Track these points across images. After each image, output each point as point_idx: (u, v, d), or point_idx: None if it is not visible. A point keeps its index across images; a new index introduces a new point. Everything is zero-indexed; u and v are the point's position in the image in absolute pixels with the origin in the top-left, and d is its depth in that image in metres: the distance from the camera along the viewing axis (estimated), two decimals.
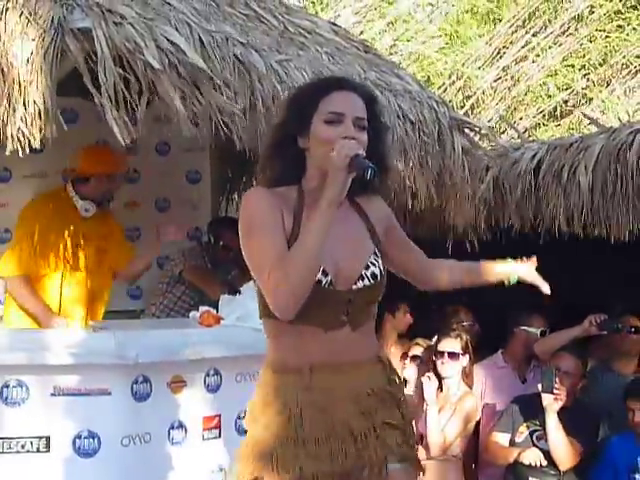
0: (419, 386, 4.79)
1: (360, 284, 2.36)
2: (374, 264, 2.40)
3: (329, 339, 2.35)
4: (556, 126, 10.57)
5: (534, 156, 5.40)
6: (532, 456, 4.47)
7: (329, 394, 2.36)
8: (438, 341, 4.82)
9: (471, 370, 4.86)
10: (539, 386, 4.48)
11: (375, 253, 2.43)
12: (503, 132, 9.53)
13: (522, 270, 2.73)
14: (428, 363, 4.89)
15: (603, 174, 4.85)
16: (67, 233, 4.57)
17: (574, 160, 5.03)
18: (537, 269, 2.74)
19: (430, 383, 4.64)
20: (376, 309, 2.49)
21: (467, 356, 4.78)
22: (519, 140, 6.30)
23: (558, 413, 4.41)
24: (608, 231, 4.84)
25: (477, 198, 5.14)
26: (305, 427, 2.34)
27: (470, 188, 4.84)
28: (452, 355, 4.71)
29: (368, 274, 2.38)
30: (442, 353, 4.73)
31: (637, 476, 4.48)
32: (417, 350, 5.14)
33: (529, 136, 10.16)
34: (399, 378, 2.55)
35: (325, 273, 2.30)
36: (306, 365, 2.35)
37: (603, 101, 10.26)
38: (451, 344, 4.74)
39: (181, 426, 3.65)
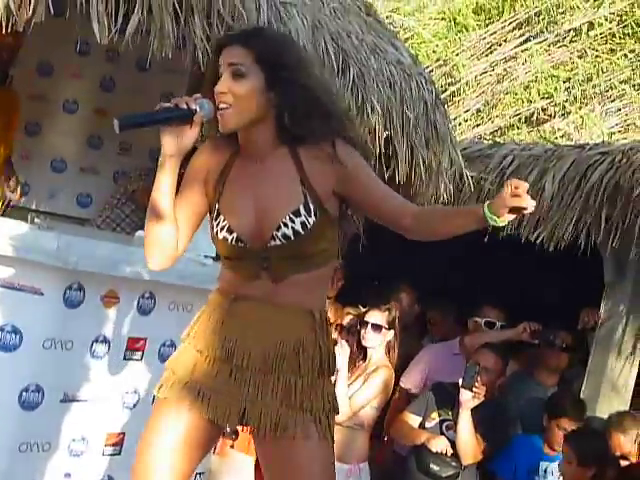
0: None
1: (273, 243, 2.36)
2: (287, 224, 2.34)
3: (252, 286, 2.41)
4: (529, 132, 10.62)
5: (505, 156, 5.44)
6: (440, 444, 4.53)
7: (242, 324, 2.41)
8: (366, 311, 4.78)
9: (395, 345, 4.78)
10: (460, 380, 4.53)
11: (298, 210, 2.35)
12: (478, 125, 9.56)
13: (496, 204, 2.25)
14: (354, 331, 4.84)
15: (568, 186, 4.91)
16: None
17: (544, 167, 5.08)
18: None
19: (341, 350, 4.52)
20: (322, 259, 2.41)
21: (392, 331, 4.72)
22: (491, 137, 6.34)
23: (473, 407, 4.47)
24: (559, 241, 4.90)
25: (441, 185, 5.13)
26: (209, 345, 2.43)
27: (438, 174, 4.83)
28: (375, 327, 4.66)
29: (279, 235, 2.35)
30: (367, 323, 4.69)
31: (536, 478, 4.58)
32: (346, 319, 5.13)
33: (501, 135, 10.23)
34: (325, 341, 2.47)
35: (230, 231, 2.38)
36: (232, 294, 2.44)
37: (581, 117, 10.33)
38: (377, 317, 4.69)
39: (105, 341, 3.60)
